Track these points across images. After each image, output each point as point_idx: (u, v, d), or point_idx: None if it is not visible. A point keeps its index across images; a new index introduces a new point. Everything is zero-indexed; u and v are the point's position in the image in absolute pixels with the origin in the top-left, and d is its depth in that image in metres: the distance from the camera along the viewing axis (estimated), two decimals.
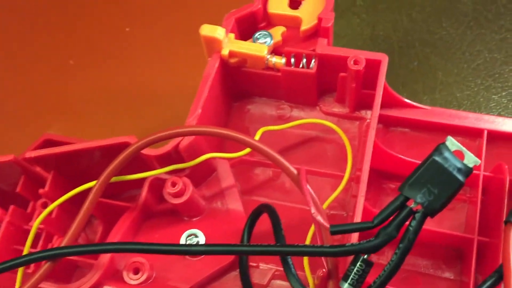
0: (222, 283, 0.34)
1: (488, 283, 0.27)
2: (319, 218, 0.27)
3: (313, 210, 0.27)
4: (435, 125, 0.35)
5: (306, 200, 0.28)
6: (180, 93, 0.35)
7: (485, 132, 0.34)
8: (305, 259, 0.32)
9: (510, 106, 0.42)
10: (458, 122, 0.35)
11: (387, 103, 0.35)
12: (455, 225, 0.35)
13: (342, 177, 0.34)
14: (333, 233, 0.27)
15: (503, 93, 0.42)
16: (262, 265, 0.34)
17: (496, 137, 0.34)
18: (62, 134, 0.39)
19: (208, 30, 0.33)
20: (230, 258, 0.33)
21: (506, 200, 0.30)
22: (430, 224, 0.34)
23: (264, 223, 0.33)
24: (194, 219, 0.36)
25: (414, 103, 0.35)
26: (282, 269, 0.32)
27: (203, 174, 0.36)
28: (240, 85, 0.37)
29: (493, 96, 0.42)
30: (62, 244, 0.30)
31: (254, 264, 0.34)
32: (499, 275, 0.27)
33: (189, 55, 0.45)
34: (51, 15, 0.54)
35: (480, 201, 0.32)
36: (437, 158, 0.26)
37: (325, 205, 0.34)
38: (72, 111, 0.48)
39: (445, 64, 0.45)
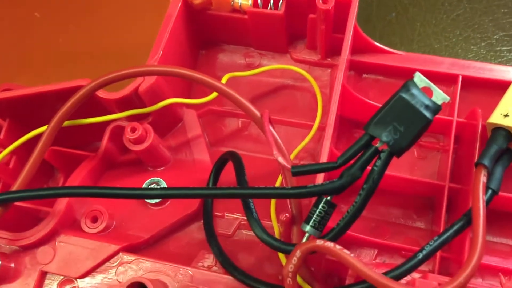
0: (186, 233, 0.33)
1: (456, 227, 0.26)
2: (280, 159, 0.26)
3: (274, 152, 0.26)
4: (409, 71, 0.33)
5: (268, 141, 0.27)
6: (147, 51, 0.34)
7: (460, 78, 0.33)
8: (272, 205, 0.31)
9: (488, 56, 0.40)
10: (433, 68, 0.33)
11: (359, 48, 0.34)
12: (427, 174, 0.34)
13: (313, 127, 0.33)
14: (295, 174, 0.26)
15: (482, 44, 0.41)
16: (228, 215, 0.33)
17: (471, 83, 0.33)
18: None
19: None
20: (193, 207, 0.32)
21: (478, 145, 0.29)
22: (401, 172, 0.33)
23: (232, 175, 0.32)
24: (159, 169, 0.34)
25: (387, 48, 0.34)
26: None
27: (168, 123, 0.35)
28: (206, 30, 0.36)
29: (472, 47, 0.41)
30: (13, 189, 0.28)
31: (219, 214, 0.33)
32: (468, 219, 0.26)
33: (155, 11, 0.43)
34: None
35: (452, 149, 0.31)
36: (403, 95, 0.25)
37: (293, 154, 0.33)
38: (37, 67, 0.46)
39: (423, 15, 0.43)
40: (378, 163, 0.25)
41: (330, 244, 0.24)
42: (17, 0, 0.49)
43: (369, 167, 0.25)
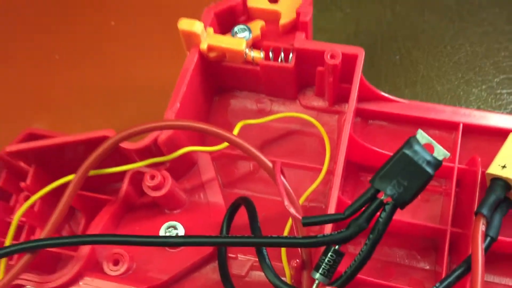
0: (202, 274, 0.34)
1: (457, 273, 0.28)
2: (292, 210, 0.28)
3: (286, 202, 0.28)
4: (413, 118, 0.36)
5: (279, 192, 0.28)
6: (161, 88, 0.36)
7: (461, 126, 0.34)
8: (283, 250, 0.33)
9: (489, 99, 0.42)
10: (435, 116, 0.35)
11: (365, 96, 0.36)
12: (431, 216, 0.35)
13: (321, 170, 0.35)
14: (305, 224, 0.27)
15: (483, 87, 0.43)
16: (241, 256, 0.34)
17: (471, 130, 0.35)
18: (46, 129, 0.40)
19: (186, 24, 0.33)
20: (209, 249, 0.34)
21: (477, 192, 0.31)
22: (405, 216, 0.35)
23: (244, 216, 0.33)
24: (175, 211, 0.36)
25: (392, 97, 0.36)
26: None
27: (184, 168, 0.37)
28: (220, 79, 0.38)
29: (473, 90, 0.43)
30: (41, 236, 0.30)
31: (233, 256, 0.35)
32: (468, 266, 0.28)
33: (169, 50, 0.45)
34: (38, 9, 0.54)
35: (454, 193, 0.33)
36: (407, 151, 0.27)
37: (303, 198, 0.35)
38: (56, 106, 0.49)
39: (426, 58, 0.45)
40: (383, 215, 0.27)
41: None
42: (38, 44, 0.52)
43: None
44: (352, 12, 0.49)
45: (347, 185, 0.36)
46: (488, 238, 0.29)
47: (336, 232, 0.27)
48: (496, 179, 0.29)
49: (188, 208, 0.36)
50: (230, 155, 0.38)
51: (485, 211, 0.28)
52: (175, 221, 0.35)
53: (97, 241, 0.29)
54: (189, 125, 0.31)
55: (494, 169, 0.29)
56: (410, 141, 0.27)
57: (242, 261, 0.34)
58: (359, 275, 0.32)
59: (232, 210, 0.34)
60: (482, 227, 0.28)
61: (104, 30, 0.52)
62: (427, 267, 0.34)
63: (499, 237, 0.31)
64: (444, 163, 0.34)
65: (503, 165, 0.29)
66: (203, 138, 0.39)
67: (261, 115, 0.38)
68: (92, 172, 0.31)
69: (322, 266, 0.27)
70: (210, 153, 0.38)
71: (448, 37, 0.45)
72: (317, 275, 0.27)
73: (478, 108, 0.42)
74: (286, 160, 0.38)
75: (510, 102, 0.42)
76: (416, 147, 0.27)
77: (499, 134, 0.34)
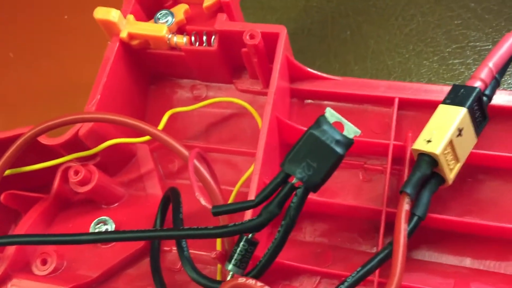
0: (137, 269, 0.34)
1: (379, 257, 0.26)
2: (202, 200, 0.26)
3: (196, 193, 0.27)
4: (348, 95, 0.34)
5: (191, 181, 0.27)
6: None
7: (396, 100, 0.33)
8: (218, 240, 0.32)
9: (441, 71, 0.40)
10: (370, 92, 0.33)
11: (298, 76, 0.34)
12: (373, 197, 0.34)
13: None
14: (215, 214, 0.26)
15: (435, 58, 0.41)
16: (175, 249, 0.34)
17: (407, 104, 0.33)
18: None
19: (101, 13, 0.32)
20: (140, 244, 0.33)
21: (406, 170, 0.29)
22: (347, 197, 0.34)
23: (186, 207, 0.32)
24: (112, 206, 0.35)
25: (324, 75, 0.34)
26: (195, 252, 0.32)
27: (119, 161, 0.36)
28: (151, 67, 0.37)
29: (424, 62, 0.41)
30: None
31: (167, 249, 0.34)
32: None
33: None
34: None
35: (389, 171, 0.32)
36: (314, 131, 0.25)
37: (238, 185, 0.34)
38: (9, 105, 0.48)
39: (377, 31, 0.43)
40: (295, 199, 0.26)
41: (251, 282, 0.25)
42: None
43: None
44: None
45: None
46: (415, 217, 0.27)
47: (247, 220, 0.26)
48: (421, 155, 0.28)
49: (126, 202, 0.36)
50: None
51: (408, 189, 0.27)
52: (109, 216, 0.34)
53: (8, 242, 0.29)
54: (103, 117, 0.30)
55: (419, 144, 0.28)
56: (318, 120, 0.25)
57: (177, 254, 0.33)
58: (292, 262, 0.31)
59: (165, 202, 0.33)
60: (406, 206, 0.27)
61: (56, 25, 0.51)
62: (369, 250, 0.33)
63: (439, 216, 0.30)
64: (380, 141, 0.33)
65: (428, 139, 0.28)
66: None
67: (197, 102, 0.37)
68: (8, 172, 0.30)
69: (235, 257, 0.26)
70: (149, 144, 0.37)
71: (400, 8, 0.43)
72: (230, 266, 0.26)
73: (429, 80, 0.40)
74: (224, 147, 0.37)
75: (463, 72, 0.40)
76: (325, 126, 0.25)
77: (436, 107, 0.32)
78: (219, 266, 0.31)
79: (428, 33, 0.42)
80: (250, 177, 0.33)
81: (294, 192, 0.26)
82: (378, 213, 0.31)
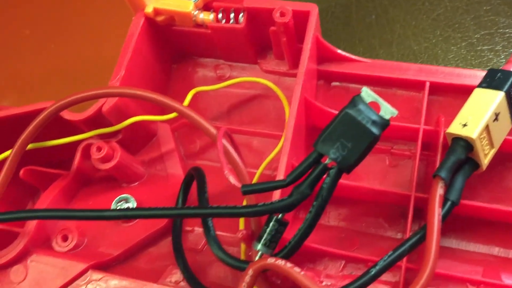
0: (157, 248, 0.33)
1: (411, 241, 0.26)
2: (231, 178, 0.26)
3: (225, 171, 0.26)
4: (377, 78, 0.33)
5: (220, 159, 0.27)
6: None
7: (427, 84, 0.32)
8: (241, 221, 0.32)
9: (469, 57, 0.40)
10: (400, 75, 0.33)
11: (326, 57, 0.34)
12: (400, 182, 0.33)
13: None
14: (244, 192, 0.26)
15: (463, 44, 0.40)
16: (197, 229, 0.33)
17: (439, 89, 0.32)
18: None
19: None
20: (162, 222, 0.32)
21: (439, 155, 0.29)
22: (373, 182, 0.33)
23: (214, 187, 0.32)
24: (133, 185, 0.35)
25: (354, 56, 0.33)
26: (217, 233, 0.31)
27: (141, 139, 0.35)
28: (175, 45, 0.36)
29: (452, 48, 0.40)
30: None
31: (189, 229, 0.33)
32: (425, 232, 0.26)
33: None
34: None
35: (419, 156, 0.31)
36: (350, 111, 0.25)
37: (263, 166, 0.33)
38: (24, 84, 0.47)
39: (403, 16, 0.42)
40: (327, 180, 0.25)
41: (281, 262, 0.24)
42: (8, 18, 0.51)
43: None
44: None
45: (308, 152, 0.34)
46: (449, 202, 0.26)
47: (277, 200, 0.25)
48: (456, 139, 0.27)
49: (146, 181, 0.35)
50: (191, 124, 0.36)
51: (443, 173, 0.26)
52: (130, 194, 0.34)
53: (27, 217, 0.28)
54: (129, 92, 0.29)
55: (454, 128, 0.27)
56: (354, 100, 0.25)
57: (199, 234, 0.33)
58: (317, 245, 0.30)
59: (187, 182, 0.33)
60: (440, 190, 0.26)
61: (73, 1, 0.50)
62: (395, 236, 0.32)
63: (468, 202, 0.29)
64: (409, 125, 0.32)
65: (464, 123, 0.27)
66: (162, 108, 0.37)
67: (220, 82, 0.36)
68: (31, 146, 0.30)
69: (264, 237, 0.26)
70: (170, 123, 0.36)
71: None
72: (259, 246, 0.26)
73: (457, 66, 0.39)
74: (248, 128, 0.36)
75: (491, 59, 0.39)
76: (360, 106, 0.24)
77: (468, 92, 0.31)
78: (242, 247, 0.30)
79: (456, 18, 0.41)
80: (272, 160, 0.33)
81: (327, 173, 0.25)
82: (406, 198, 0.30)
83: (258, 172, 0.33)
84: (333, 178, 0.25)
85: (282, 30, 0.31)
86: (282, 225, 0.26)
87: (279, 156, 0.33)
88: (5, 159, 0.29)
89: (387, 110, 0.25)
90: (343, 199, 0.33)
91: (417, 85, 0.32)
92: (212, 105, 0.37)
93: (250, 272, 0.25)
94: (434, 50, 0.40)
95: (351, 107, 0.25)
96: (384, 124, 0.24)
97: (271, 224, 0.25)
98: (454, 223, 0.31)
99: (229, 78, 0.37)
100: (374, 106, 0.25)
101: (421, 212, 0.31)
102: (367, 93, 0.25)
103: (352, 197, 0.33)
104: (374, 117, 0.24)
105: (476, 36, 0.40)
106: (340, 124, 0.25)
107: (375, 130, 0.24)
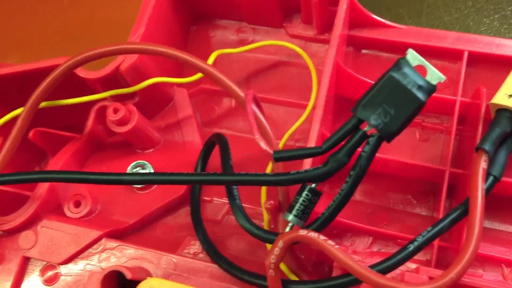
0: (174, 218, 0.32)
1: (452, 217, 0.24)
2: (262, 144, 0.24)
3: (256, 136, 0.24)
4: (411, 46, 0.31)
5: (250, 124, 0.25)
6: None
7: (466, 54, 0.30)
8: (263, 191, 0.30)
9: (502, 29, 0.38)
10: (436, 43, 0.31)
11: (357, 22, 0.32)
12: (430, 157, 0.32)
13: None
14: (277, 159, 0.24)
15: (496, 16, 0.38)
16: (216, 200, 0.31)
17: (478, 59, 0.30)
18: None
19: None
20: (180, 191, 0.31)
21: (480, 128, 0.27)
22: (402, 155, 0.31)
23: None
24: (148, 151, 0.33)
25: (388, 22, 0.31)
26: None
27: (157, 104, 0.34)
28: (196, 5, 0.34)
29: (484, 20, 0.38)
30: None
31: (208, 199, 0.32)
32: (466, 208, 0.24)
33: None
34: None
35: (455, 130, 0.29)
36: (394, 74, 0.23)
37: (286, 136, 0.31)
38: (29, 43, 0.45)
39: None
40: (367, 148, 0.23)
41: (314, 235, 0.23)
42: None
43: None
44: None
45: (338, 123, 0.32)
46: (491, 177, 0.25)
47: (312, 168, 0.24)
48: (501, 110, 0.25)
49: (162, 148, 0.33)
50: (209, 90, 0.35)
51: (487, 146, 0.25)
52: (145, 160, 0.32)
53: (38, 179, 0.26)
54: (151, 49, 0.27)
55: (500, 98, 0.25)
56: (399, 63, 0.23)
57: (218, 204, 0.31)
58: (345, 220, 0.29)
59: (207, 149, 0.31)
60: (483, 164, 0.24)
61: None
62: (424, 213, 0.31)
63: (506, 179, 0.28)
64: (445, 96, 0.30)
65: (510, 94, 0.25)
66: (180, 71, 0.35)
67: (242, 45, 0.34)
68: (44, 104, 0.28)
69: (296, 207, 0.24)
70: (188, 88, 0.34)
71: None
72: (290, 217, 0.24)
73: None
74: (271, 96, 0.34)
75: None
76: (406, 69, 0.23)
77: (508, 63, 0.29)
78: (265, 218, 0.29)
79: None
80: (297, 130, 0.31)
81: (366, 141, 0.23)
82: (438, 173, 0.29)
83: (282, 142, 0.31)
84: (373, 147, 0.23)
85: None
86: (315, 195, 0.24)
87: (302, 126, 0.31)
88: (15, 118, 0.27)
89: (434, 75, 0.23)
90: (370, 173, 0.31)
91: (455, 54, 0.31)
92: (233, 70, 0.35)
93: (280, 244, 0.23)
94: (466, 22, 0.39)
95: (396, 70, 0.23)
96: (430, 90, 0.23)
97: (303, 193, 0.24)
98: (487, 201, 0.29)
99: (252, 41, 0.35)
100: (420, 70, 0.23)
101: (452, 189, 0.29)
102: (413, 56, 0.23)
103: (381, 171, 0.31)
104: (420, 82, 0.23)
105: (510, 8, 0.38)
106: (383, 88, 0.23)
107: (421, 95, 0.22)
